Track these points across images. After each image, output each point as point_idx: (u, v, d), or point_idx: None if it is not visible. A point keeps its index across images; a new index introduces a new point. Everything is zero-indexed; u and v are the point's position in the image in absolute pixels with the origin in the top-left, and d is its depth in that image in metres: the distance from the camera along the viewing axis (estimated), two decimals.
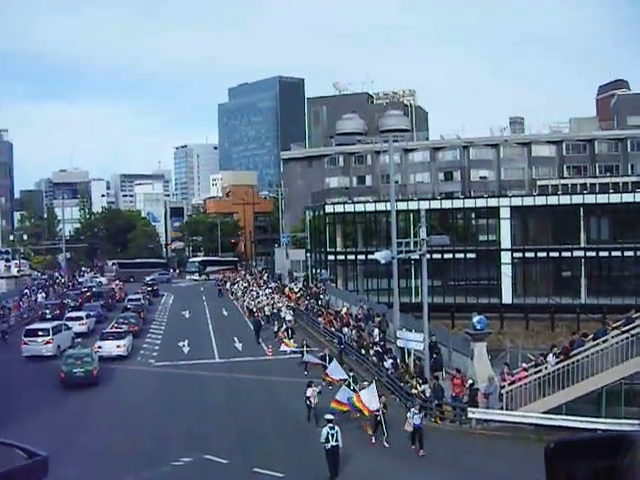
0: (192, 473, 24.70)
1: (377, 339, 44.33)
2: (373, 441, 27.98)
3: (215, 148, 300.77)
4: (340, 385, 31.83)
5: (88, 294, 78.25)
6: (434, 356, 37.84)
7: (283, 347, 45.16)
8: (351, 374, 34.17)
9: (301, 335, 49.65)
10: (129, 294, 78.27)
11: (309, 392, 30.81)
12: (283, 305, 61.60)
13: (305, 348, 42.05)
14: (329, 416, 24.99)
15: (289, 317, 55.32)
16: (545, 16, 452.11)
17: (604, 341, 32.53)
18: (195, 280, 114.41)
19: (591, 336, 34.04)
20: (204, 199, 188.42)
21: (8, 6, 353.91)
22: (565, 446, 1.00)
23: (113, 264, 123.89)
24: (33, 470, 1.09)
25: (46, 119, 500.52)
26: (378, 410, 28.13)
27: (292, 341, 46.54)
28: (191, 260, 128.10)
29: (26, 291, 77.20)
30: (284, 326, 51.48)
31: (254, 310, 61.28)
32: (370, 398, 28.35)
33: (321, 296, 65.89)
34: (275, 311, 59.66)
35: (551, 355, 32.93)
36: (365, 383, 31.08)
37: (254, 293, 72.05)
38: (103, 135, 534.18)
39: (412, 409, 28.13)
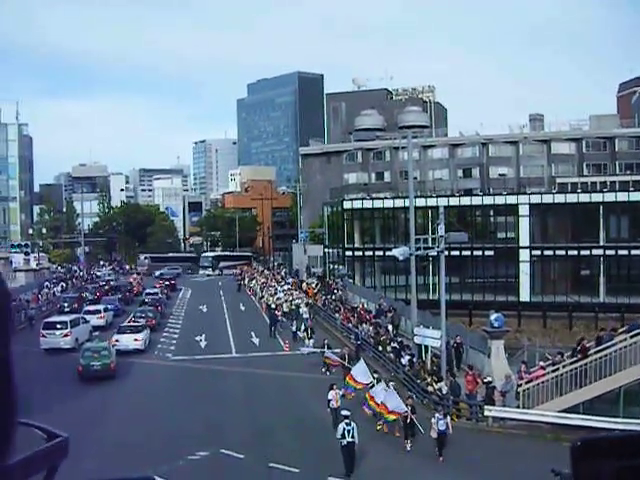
0: (208, 467, 24.76)
1: (391, 335, 44.41)
2: (408, 448, 27.11)
3: (234, 143, 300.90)
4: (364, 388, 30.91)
5: (106, 287, 78.61)
6: (459, 355, 37.88)
7: (304, 349, 43.21)
8: (375, 375, 33.33)
9: (321, 334, 48.60)
10: (147, 288, 78.56)
11: (331, 395, 29.78)
12: (302, 302, 60.89)
13: (326, 348, 40.51)
14: (346, 412, 25.03)
15: (306, 315, 54.81)
16: (565, 14, 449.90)
17: (623, 340, 32.38)
18: (208, 275, 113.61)
19: (621, 330, 33.77)
20: (222, 194, 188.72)
21: (32, 1, 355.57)
22: (592, 444, 0.98)
23: (145, 258, 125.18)
24: (54, 452, 1.08)
25: (67, 114, 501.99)
26: (406, 412, 27.29)
27: (312, 341, 45.53)
28: (204, 255, 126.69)
29: (45, 284, 77.60)
30: (303, 326, 50.03)
31: (273, 306, 59.86)
32: (394, 402, 27.52)
33: (339, 292, 65.92)
34: (294, 307, 58.79)
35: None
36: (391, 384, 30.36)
37: (272, 289, 71.19)
38: (122, 130, 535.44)
39: (437, 414, 26.85)
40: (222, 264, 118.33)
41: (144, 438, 27.52)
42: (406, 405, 27.29)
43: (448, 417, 27.44)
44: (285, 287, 72.79)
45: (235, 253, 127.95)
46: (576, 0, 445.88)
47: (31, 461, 1.08)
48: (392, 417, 27.63)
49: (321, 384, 34.52)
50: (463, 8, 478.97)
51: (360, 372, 31.58)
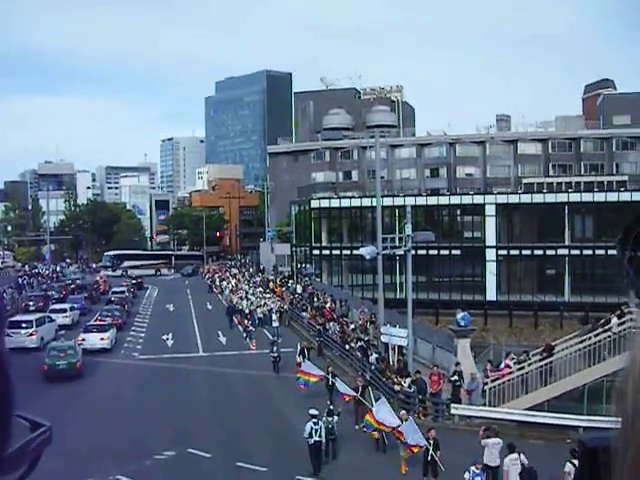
0: (175, 467, 24.69)
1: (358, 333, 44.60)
2: None
3: (202, 141, 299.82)
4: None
5: (72, 286, 77.99)
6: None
7: (301, 381, 33.22)
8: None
9: (320, 359, 41.23)
10: (113, 287, 78.13)
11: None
12: (275, 306, 58.80)
13: (330, 376, 32.72)
14: (313, 411, 25.04)
15: (276, 323, 52.89)
16: (533, 16, 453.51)
17: (587, 339, 32.78)
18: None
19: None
20: (190, 192, 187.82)
21: None
22: (601, 442, 0.96)
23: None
24: (39, 441, 1.09)
25: (32, 110, 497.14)
26: (422, 446, 23.74)
27: (308, 362, 35.23)
28: (106, 253, 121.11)
29: (9, 283, 76.81)
30: (299, 347, 40.94)
31: (246, 312, 58.19)
32: (412, 433, 24.16)
33: (308, 291, 65.86)
34: (267, 313, 56.65)
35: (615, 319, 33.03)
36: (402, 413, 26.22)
37: (242, 292, 69.53)
38: (89, 127, 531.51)
39: (472, 467, 21.34)
40: (126, 264, 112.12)
41: (111, 438, 27.37)
42: (427, 439, 23.54)
43: (485, 473, 22.26)
44: (258, 290, 70.75)
45: (147, 252, 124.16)
46: (544, 3, 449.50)
47: (20, 452, 1.07)
48: (410, 451, 24.30)
49: (289, 383, 34.60)
50: (431, 9, 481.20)
51: (384, 412, 25.95)
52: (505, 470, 21.83)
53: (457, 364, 33.33)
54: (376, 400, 27.54)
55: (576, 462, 20.06)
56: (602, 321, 33.92)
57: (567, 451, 20.93)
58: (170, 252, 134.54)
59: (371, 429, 26.15)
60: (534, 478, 21.36)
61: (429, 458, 23.16)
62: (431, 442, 23.28)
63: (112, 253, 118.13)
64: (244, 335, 51.26)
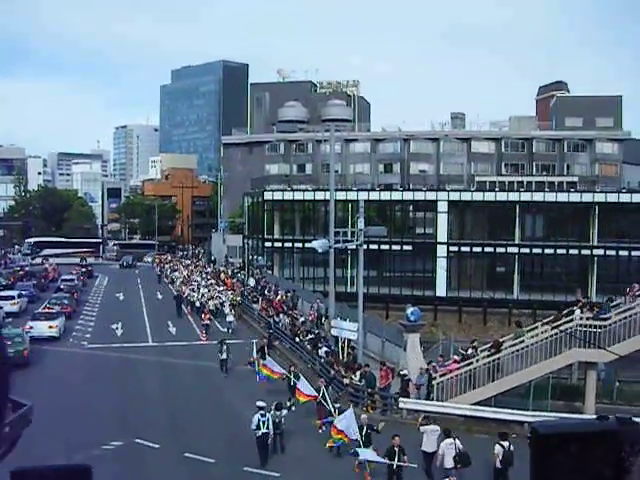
0: (123, 457, 24.56)
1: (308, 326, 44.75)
2: None
3: (155, 130, 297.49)
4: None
5: (21, 273, 76.97)
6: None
7: (262, 375, 32.78)
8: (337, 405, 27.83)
9: (277, 354, 41.02)
10: (63, 274, 77.30)
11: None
12: (227, 300, 57.21)
13: (292, 375, 31.67)
14: (260, 403, 25.08)
15: (231, 318, 50.81)
16: (487, 12, 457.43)
17: (533, 336, 33.27)
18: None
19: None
20: (142, 181, 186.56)
21: None
22: (551, 429, 0.97)
23: (114, 244, 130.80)
24: (22, 420, 1.11)
25: None
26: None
27: (270, 358, 34.55)
28: (26, 240, 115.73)
29: None
30: (254, 346, 38.42)
31: (197, 305, 57.51)
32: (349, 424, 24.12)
33: (259, 282, 65.74)
34: (219, 306, 55.70)
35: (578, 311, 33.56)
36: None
37: (195, 283, 67.85)
38: (41, 112, 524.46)
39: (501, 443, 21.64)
40: (47, 252, 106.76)
41: (57, 427, 27.09)
42: (392, 447, 22.26)
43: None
44: (210, 282, 69.27)
45: (73, 239, 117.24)
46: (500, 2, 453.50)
47: (6, 431, 1.06)
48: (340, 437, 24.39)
49: (239, 374, 34.57)
50: (389, 5, 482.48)
51: (348, 422, 24.57)
52: (440, 454, 22.68)
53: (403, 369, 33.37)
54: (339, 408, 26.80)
55: (505, 444, 22.42)
56: (565, 312, 34.36)
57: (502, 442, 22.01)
58: (98, 240, 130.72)
59: (331, 438, 25.07)
60: (467, 461, 22.32)
61: (394, 467, 22.05)
62: (396, 449, 22.04)
63: (32, 240, 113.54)
64: (198, 329, 50.71)
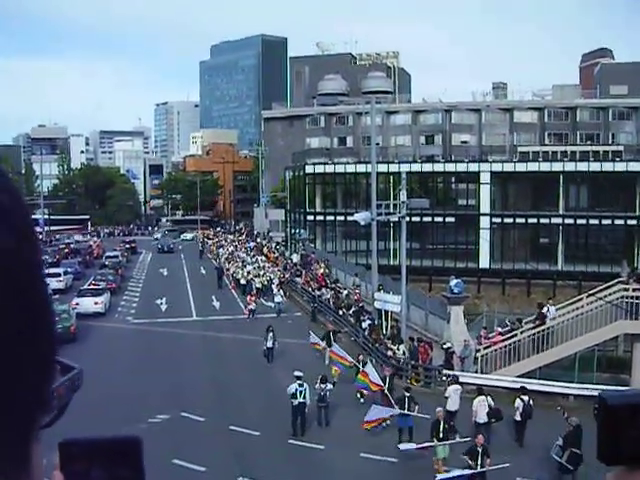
0: (169, 430, 24.81)
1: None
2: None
3: (196, 106, 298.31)
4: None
5: (66, 251, 77.86)
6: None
7: (337, 361, 30.50)
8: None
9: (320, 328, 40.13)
10: (107, 251, 78.07)
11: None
12: (275, 277, 56.20)
13: (361, 364, 28.62)
14: (298, 373, 25.20)
15: (279, 299, 48.26)
16: None
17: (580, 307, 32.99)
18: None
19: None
20: (184, 157, 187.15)
21: None
22: (621, 399, 0.95)
23: (167, 220, 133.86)
24: (72, 385, 1.07)
25: (26, 74, 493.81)
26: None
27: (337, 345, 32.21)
28: None
29: None
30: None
31: (243, 282, 56.18)
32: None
33: (301, 259, 65.76)
34: (266, 284, 54.47)
35: (553, 308, 33.42)
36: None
37: (239, 260, 67.02)
38: (83, 91, 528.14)
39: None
40: None
41: (104, 401, 27.41)
42: (476, 445, 20.20)
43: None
44: (256, 258, 67.87)
45: (60, 216, 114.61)
46: None
47: (55, 394, 1.05)
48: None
49: (283, 348, 34.70)
50: None
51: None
52: (474, 410, 24.18)
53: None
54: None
55: (525, 398, 24.38)
56: (601, 287, 34.01)
57: (559, 417, 22.05)
58: (86, 217, 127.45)
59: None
60: (499, 416, 24.24)
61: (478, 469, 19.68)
62: (479, 449, 19.83)
63: None
64: (242, 304, 50.59)
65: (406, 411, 23.76)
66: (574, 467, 20.67)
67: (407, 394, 24.20)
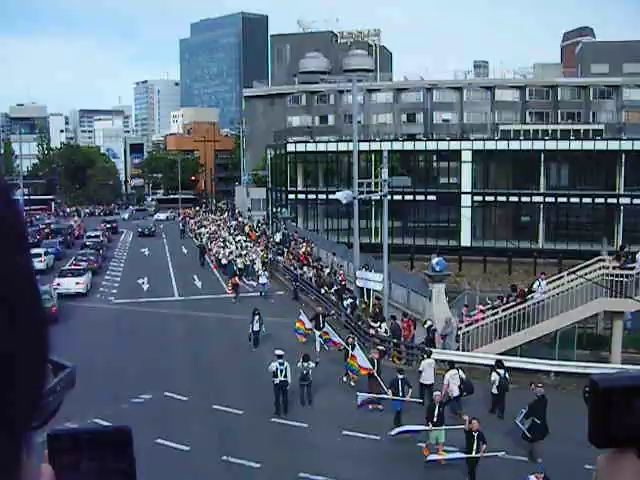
0: (152, 410, 24.84)
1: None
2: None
3: (176, 84, 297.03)
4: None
5: (46, 231, 77.40)
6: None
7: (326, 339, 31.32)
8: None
9: (302, 305, 40.19)
10: (88, 231, 77.70)
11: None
12: (257, 257, 54.95)
13: (350, 347, 28.12)
14: (279, 351, 25.23)
15: (264, 279, 46.89)
16: None
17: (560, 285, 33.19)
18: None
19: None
20: (164, 136, 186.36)
21: None
22: (612, 382, 0.94)
23: (152, 200, 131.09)
24: (66, 384, 1.05)
25: (2, 52, 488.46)
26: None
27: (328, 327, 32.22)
28: None
29: None
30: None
31: (224, 262, 55.17)
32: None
33: (283, 238, 65.73)
34: (248, 263, 53.41)
35: (544, 282, 33.56)
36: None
37: (220, 240, 65.68)
38: (62, 69, 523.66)
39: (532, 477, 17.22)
40: None
41: (86, 381, 27.37)
42: (469, 430, 19.84)
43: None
44: (238, 238, 66.48)
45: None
46: None
47: (49, 399, 1.04)
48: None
49: (265, 327, 34.68)
50: None
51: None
52: (445, 384, 24.46)
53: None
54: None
55: (501, 372, 24.67)
56: (582, 265, 34.19)
57: (533, 395, 21.98)
58: (49, 197, 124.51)
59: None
60: (471, 389, 24.73)
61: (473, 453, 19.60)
62: (474, 435, 19.52)
63: None
64: (224, 283, 50.75)
65: (400, 394, 23.79)
66: (534, 437, 20.92)
67: (400, 376, 24.12)
